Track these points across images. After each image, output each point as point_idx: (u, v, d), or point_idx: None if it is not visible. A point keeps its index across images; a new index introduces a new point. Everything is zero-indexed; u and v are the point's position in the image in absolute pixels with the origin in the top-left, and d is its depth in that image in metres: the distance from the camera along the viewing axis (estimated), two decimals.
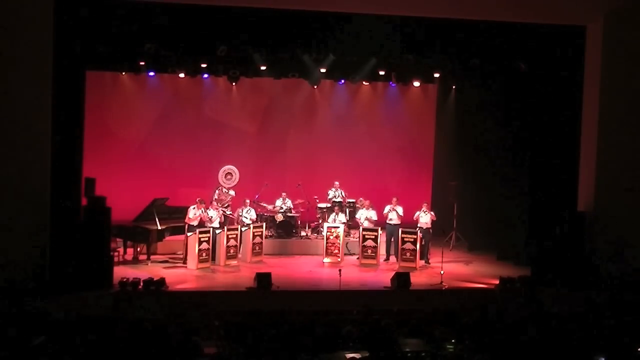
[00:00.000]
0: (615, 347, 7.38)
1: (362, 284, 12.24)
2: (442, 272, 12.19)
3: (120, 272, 11.81)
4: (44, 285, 10.57)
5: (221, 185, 15.29)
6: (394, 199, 14.04)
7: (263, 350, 7.18)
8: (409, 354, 7.34)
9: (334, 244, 13.97)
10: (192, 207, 13.25)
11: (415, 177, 17.69)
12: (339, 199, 15.40)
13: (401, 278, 11.81)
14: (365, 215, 14.17)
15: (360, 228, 14.00)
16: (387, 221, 13.96)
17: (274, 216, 15.01)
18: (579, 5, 11.85)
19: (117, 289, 11.09)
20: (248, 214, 14.29)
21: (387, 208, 13.96)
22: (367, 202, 14.36)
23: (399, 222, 13.84)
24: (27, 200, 10.47)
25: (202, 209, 13.24)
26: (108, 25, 11.49)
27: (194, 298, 10.99)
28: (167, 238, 13.67)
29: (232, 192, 15.17)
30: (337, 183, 15.76)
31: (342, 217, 14.59)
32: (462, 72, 15.03)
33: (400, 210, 13.89)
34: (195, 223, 13.15)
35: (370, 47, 13.03)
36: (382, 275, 12.77)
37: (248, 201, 14.47)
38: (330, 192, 15.67)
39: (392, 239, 13.93)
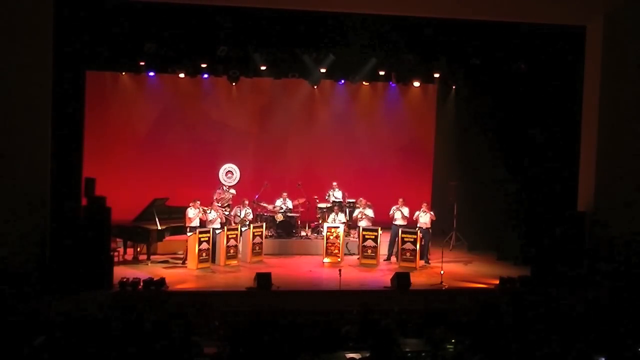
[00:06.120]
0: (615, 347, 7.37)
1: (362, 284, 12.24)
2: (442, 272, 12.19)
3: (120, 272, 11.81)
4: (44, 285, 10.56)
5: (222, 184, 15.28)
6: (400, 200, 14.01)
7: (263, 350, 7.17)
8: (409, 354, 7.33)
9: (334, 244, 13.96)
10: (189, 208, 13.25)
11: (415, 177, 17.68)
12: (338, 200, 15.39)
13: (401, 278, 11.80)
14: (361, 210, 14.17)
15: (360, 228, 14.01)
16: (393, 222, 13.98)
17: (274, 216, 15.02)
18: (579, 6, 11.85)
19: (117, 289, 11.09)
20: (247, 215, 14.26)
21: (393, 209, 13.98)
22: (363, 202, 14.37)
23: (404, 223, 13.85)
24: (27, 200, 10.46)
25: (200, 207, 13.22)
26: (108, 25, 11.51)
27: (194, 298, 10.98)
28: (167, 238, 13.67)
29: (232, 191, 15.17)
30: (335, 184, 15.74)
31: (342, 217, 14.59)
32: (462, 72, 15.05)
33: (405, 211, 13.89)
34: (196, 223, 13.14)
35: (370, 47, 13.03)
36: (382, 275, 12.78)
37: (247, 201, 14.45)
38: (329, 192, 15.65)
39: (396, 239, 13.92)
